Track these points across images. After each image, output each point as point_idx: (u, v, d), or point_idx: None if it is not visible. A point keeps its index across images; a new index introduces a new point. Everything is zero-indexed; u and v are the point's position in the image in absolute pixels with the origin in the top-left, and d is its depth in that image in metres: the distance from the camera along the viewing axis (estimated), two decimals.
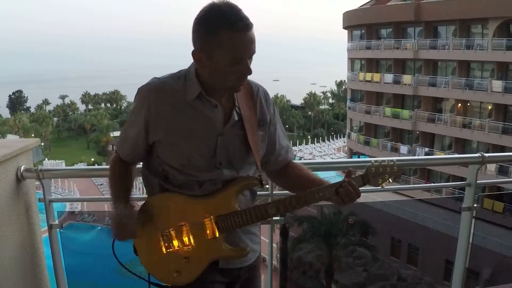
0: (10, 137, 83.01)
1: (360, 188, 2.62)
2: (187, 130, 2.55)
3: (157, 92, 2.54)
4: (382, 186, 2.66)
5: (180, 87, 2.54)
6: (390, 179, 2.64)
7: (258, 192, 2.88)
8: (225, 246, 2.62)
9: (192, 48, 2.43)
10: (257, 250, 2.87)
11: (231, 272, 2.74)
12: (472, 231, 4.23)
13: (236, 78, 2.44)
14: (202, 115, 2.54)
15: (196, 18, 2.40)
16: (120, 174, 2.76)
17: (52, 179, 4.07)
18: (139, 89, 2.61)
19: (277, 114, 2.86)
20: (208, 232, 2.61)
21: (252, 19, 2.36)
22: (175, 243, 2.64)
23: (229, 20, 2.31)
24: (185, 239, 2.62)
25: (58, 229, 4.01)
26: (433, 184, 32.76)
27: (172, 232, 2.64)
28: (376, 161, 2.65)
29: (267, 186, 3.66)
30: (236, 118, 2.61)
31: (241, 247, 2.68)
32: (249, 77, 2.51)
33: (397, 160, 2.71)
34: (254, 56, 2.41)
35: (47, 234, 3.97)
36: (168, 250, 2.64)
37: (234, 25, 2.31)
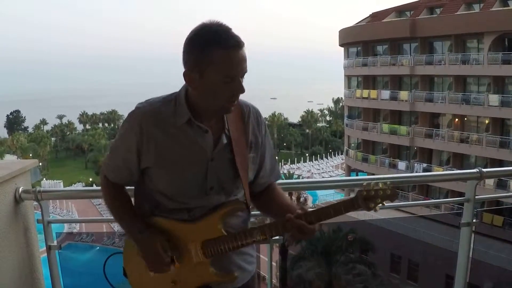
0: (8, 157, 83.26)
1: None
2: (177, 157, 2.51)
3: (147, 117, 2.51)
4: (375, 210, 2.47)
5: (170, 112, 2.52)
6: (383, 203, 2.46)
7: (253, 212, 2.85)
8: (212, 271, 2.58)
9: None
10: (251, 271, 2.82)
11: None
12: (471, 246, 4.19)
13: (228, 98, 2.41)
14: (192, 141, 2.51)
15: (187, 38, 2.39)
16: (120, 199, 2.71)
17: (51, 200, 4.07)
18: (129, 114, 2.58)
19: (268, 134, 2.82)
20: (194, 256, 2.58)
21: (247, 38, 2.36)
22: None
23: (220, 38, 2.31)
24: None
25: (56, 250, 3.98)
26: (432, 200, 32.76)
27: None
28: (368, 184, 2.47)
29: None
30: (225, 141, 2.57)
31: (228, 273, 2.63)
32: (244, 97, 2.48)
33: (395, 178, 2.61)
34: (252, 75, 2.40)
35: (46, 254, 3.94)
36: (156, 273, 2.60)
37: (225, 43, 2.30)
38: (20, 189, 3.69)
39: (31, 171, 3.94)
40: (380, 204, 2.45)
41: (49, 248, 3.93)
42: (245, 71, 2.40)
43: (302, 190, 44.08)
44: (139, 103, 2.58)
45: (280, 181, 3.05)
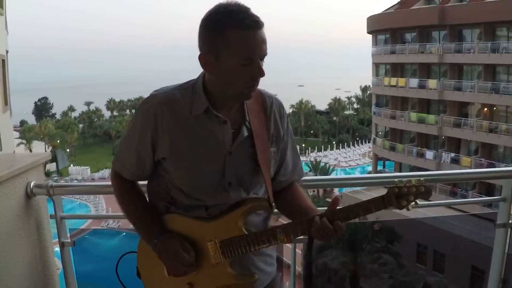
0: (36, 143, 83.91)
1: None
2: (193, 149, 2.40)
3: (163, 105, 2.39)
4: (407, 209, 2.32)
5: (187, 101, 2.40)
6: (417, 201, 2.32)
7: (275, 210, 2.68)
8: (231, 272, 2.46)
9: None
10: (271, 272, 2.71)
11: None
12: (507, 244, 3.91)
13: (247, 82, 2.27)
14: (209, 132, 2.40)
15: (202, 19, 2.27)
16: (135, 201, 2.61)
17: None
18: (142, 103, 2.47)
19: (290, 128, 2.69)
20: (212, 257, 2.45)
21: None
22: None
23: (236, 18, 2.18)
24: None
25: (70, 247, 3.89)
26: (465, 199, 32.38)
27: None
28: (400, 180, 2.33)
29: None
30: (246, 134, 2.45)
31: (248, 274, 2.51)
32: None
33: (428, 175, 2.43)
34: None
35: (70, 247, 3.90)
36: (170, 275, 2.50)
37: (241, 23, 2.18)
38: (32, 184, 3.62)
39: (59, 157, 3.91)
40: (413, 202, 2.31)
41: (62, 245, 3.85)
42: (265, 54, 2.26)
43: (327, 187, 43.91)
44: (154, 91, 2.48)
45: (305, 177, 2.95)
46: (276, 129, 2.58)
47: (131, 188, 2.62)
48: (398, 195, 2.31)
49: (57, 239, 3.88)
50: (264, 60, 2.29)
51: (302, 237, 2.59)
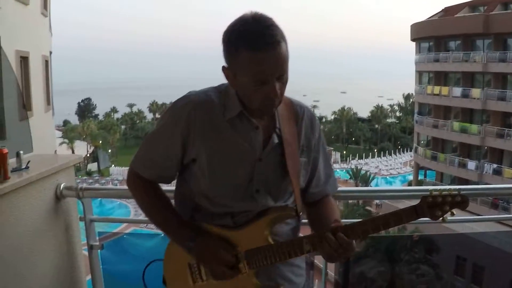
0: (78, 143, 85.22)
1: None
2: (223, 153, 2.35)
3: (198, 106, 2.36)
4: (443, 219, 2.21)
5: (221, 103, 2.37)
6: (453, 211, 2.18)
7: (304, 220, 2.64)
8: (256, 283, 2.39)
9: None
10: (299, 283, 2.61)
11: None
12: None
13: (262, 100, 2.22)
14: (241, 136, 2.36)
15: (223, 33, 2.23)
16: (160, 202, 2.55)
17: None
18: (175, 102, 2.42)
19: (323, 139, 2.63)
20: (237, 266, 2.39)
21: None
22: (203, 276, 2.46)
23: (249, 38, 2.12)
24: None
25: (98, 250, 3.91)
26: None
27: (200, 264, 2.46)
28: (435, 190, 2.20)
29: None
30: (276, 141, 2.40)
31: (274, 285, 2.46)
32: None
33: (462, 190, 2.30)
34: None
35: (98, 250, 3.93)
36: (196, 284, 2.47)
37: (253, 44, 2.12)
38: (62, 186, 3.64)
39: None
40: (449, 213, 2.18)
41: (90, 248, 3.87)
42: (281, 73, 2.20)
43: (361, 199, 43.66)
44: (190, 92, 2.44)
45: (339, 188, 2.90)
46: (307, 140, 2.54)
47: (153, 189, 2.57)
48: (432, 205, 2.19)
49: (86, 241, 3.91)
50: (286, 77, 2.24)
51: None
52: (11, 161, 3.34)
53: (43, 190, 3.50)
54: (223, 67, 2.27)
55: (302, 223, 2.66)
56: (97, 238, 3.95)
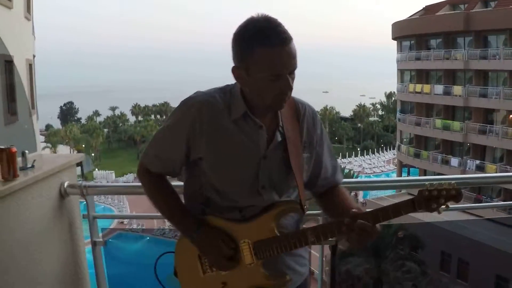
0: (61, 147, 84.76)
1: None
2: (229, 152, 2.48)
3: (202, 107, 2.46)
4: (438, 212, 2.32)
5: (226, 104, 2.48)
6: (447, 204, 2.31)
7: (308, 212, 2.78)
8: (263, 273, 2.52)
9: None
10: (303, 273, 2.76)
11: None
12: None
13: (276, 95, 2.35)
14: (246, 136, 2.48)
15: (234, 33, 2.35)
16: (167, 193, 2.69)
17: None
18: (182, 102, 2.54)
19: (325, 134, 2.76)
20: (245, 257, 2.53)
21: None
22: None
23: (263, 35, 2.25)
24: None
25: (102, 246, 3.98)
26: (501, 203, 31.85)
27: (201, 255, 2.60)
28: (431, 184, 2.33)
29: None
30: (279, 139, 2.52)
31: (280, 275, 2.56)
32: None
33: (458, 179, 2.39)
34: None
35: (101, 246, 3.99)
36: (206, 274, 2.60)
37: (268, 40, 2.24)
38: (66, 184, 3.72)
39: (83, 161, 3.99)
40: (444, 206, 2.31)
41: (94, 244, 3.94)
42: (293, 68, 2.33)
43: (359, 190, 43.73)
44: (197, 92, 2.55)
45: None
46: (309, 136, 2.66)
47: (162, 182, 2.70)
48: (429, 198, 2.31)
49: (89, 239, 3.98)
50: (295, 72, 2.36)
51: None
52: (17, 160, 3.39)
53: (48, 188, 3.57)
54: (233, 68, 2.38)
55: (308, 216, 2.78)
56: (100, 234, 4.02)
